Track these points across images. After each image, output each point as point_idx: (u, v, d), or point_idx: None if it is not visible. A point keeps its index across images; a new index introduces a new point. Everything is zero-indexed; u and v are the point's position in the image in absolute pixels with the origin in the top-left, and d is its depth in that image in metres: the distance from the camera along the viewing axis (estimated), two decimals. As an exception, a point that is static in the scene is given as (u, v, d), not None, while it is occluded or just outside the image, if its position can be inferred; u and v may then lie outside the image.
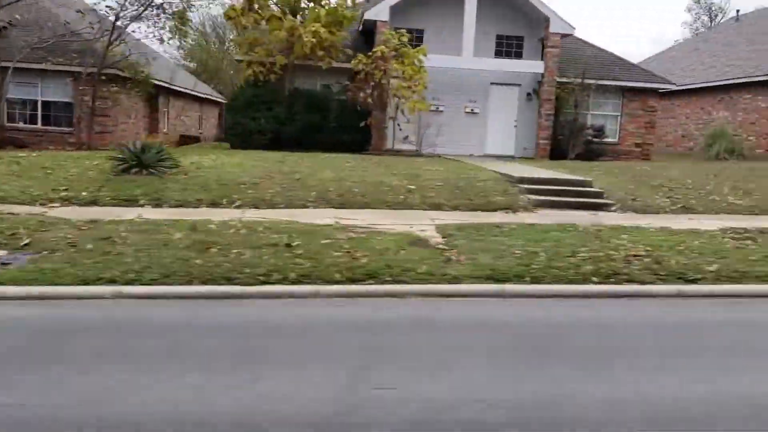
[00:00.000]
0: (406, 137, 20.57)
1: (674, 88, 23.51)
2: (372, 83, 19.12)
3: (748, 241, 9.05)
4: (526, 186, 12.68)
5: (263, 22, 19.89)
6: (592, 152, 20.77)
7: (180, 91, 28.72)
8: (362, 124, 19.66)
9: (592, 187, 12.95)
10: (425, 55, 19.48)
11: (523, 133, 22.05)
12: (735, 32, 30.80)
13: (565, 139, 20.81)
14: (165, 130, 27.75)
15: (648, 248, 8.25)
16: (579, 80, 20.73)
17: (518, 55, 22.04)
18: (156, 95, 26.22)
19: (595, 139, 21.19)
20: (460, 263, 7.53)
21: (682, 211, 11.74)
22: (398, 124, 20.28)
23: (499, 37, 22.02)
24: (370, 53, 19.27)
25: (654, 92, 22.46)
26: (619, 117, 22.44)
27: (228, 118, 20.37)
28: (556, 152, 20.84)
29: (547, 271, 7.25)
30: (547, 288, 6.92)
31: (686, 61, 30.93)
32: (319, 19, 19.06)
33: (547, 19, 20.62)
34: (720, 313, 6.61)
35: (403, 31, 19.64)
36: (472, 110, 22.12)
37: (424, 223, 9.91)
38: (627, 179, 13.95)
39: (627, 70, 22.69)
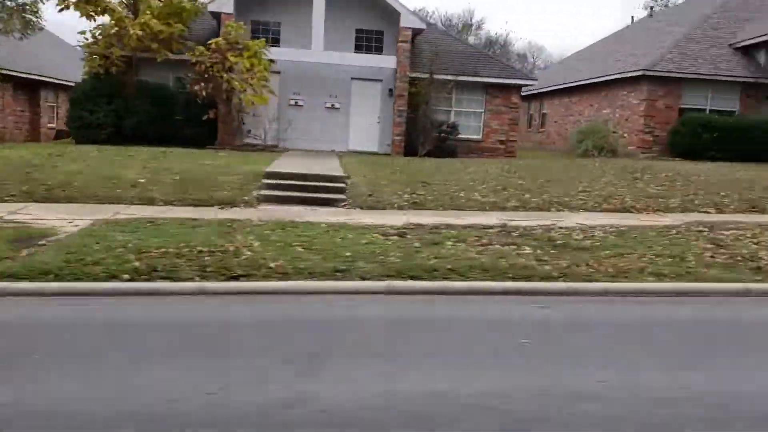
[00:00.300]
0: (249, 131, 20.15)
1: (535, 83, 23.12)
2: (206, 75, 18.68)
3: (395, 237, 8.59)
4: (272, 181, 12.27)
5: (104, 15, 19.50)
6: (444, 149, 20.29)
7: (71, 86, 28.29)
8: (204, 117, 19.25)
9: (343, 183, 12.50)
10: (265, 47, 19.04)
11: (386, 129, 21.57)
12: (643, 28, 30.23)
13: (416, 135, 20.33)
14: (51, 125, 27.44)
15: (254, 245, 7.81)
16: (429, 76, 20.24)
17: (378, 50, 21.56)
18: (36, 89, 25.98)
19: (450, 136, 20.70)
20: (11, 260, 7.12)
21: (411, 207, 11.24)
22: (242, 118, 19.88)
23: (359, 31, 21.55)
24: (207, 45, 18.85)
25: (517, 89, 21.94)
26: (483, 114, 21.93)
27: (70, 111, 19.95)
28: (410, 149, 20.37)
29: (82, 269, 6.80)
30: (53, 285, 6.49)
31: (598, 57, 30.34)
32: (152, 10, 18.63)
33: (398, 14, 20.16)
34: (185, 311, 6.21)
35: (242, 23, 19.22)
36: (333, 105, 21.65)
37: (94, 218, 9.47)
38: (396, 178, 13.36)
39: (491, 66, 22.16)
